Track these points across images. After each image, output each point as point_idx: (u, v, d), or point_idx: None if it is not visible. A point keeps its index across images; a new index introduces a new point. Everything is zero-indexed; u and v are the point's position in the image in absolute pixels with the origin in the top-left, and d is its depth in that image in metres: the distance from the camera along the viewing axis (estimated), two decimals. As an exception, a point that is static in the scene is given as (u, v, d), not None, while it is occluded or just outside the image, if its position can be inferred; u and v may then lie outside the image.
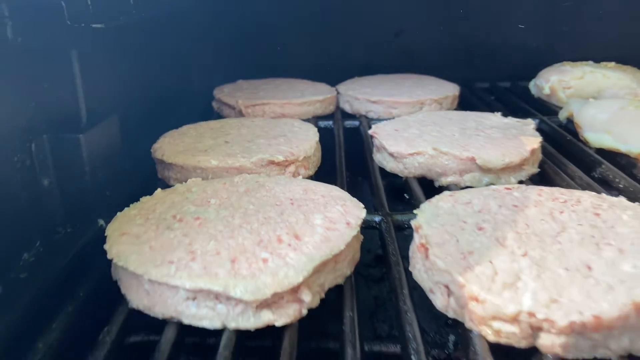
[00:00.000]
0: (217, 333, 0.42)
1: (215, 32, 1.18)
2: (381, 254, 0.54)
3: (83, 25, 0.59)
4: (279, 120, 0.86)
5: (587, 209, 0.51)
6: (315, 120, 0.98)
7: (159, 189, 0.58)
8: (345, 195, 0.57)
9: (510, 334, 0.39)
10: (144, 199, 0.55)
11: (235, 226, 0.49)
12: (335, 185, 0.65)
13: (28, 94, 0.57)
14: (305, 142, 0.74)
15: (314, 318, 0.44)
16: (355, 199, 0.56)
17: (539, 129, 0.92)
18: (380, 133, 0.77)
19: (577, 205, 0.52)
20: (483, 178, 0.69)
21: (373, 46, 1.28)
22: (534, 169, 0.72)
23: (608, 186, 0.70)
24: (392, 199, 0.68)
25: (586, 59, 1.12)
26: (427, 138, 0.74)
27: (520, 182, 0.69)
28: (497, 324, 0.40)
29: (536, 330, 0.38)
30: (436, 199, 0.55)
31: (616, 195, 0.56)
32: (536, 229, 0.48)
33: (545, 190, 0.57)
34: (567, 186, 0.66)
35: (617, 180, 0.70)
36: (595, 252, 0.44)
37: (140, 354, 0.46)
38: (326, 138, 0.89)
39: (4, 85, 0.52)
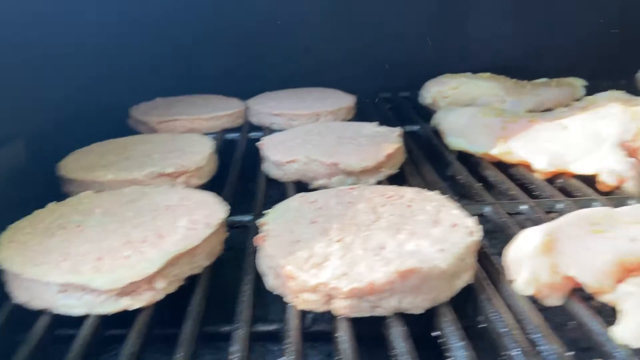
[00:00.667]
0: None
1: (134, 51, 1.26)
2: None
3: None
4: (182, 135, 0.96)
5: (404, 202, 0.64)
6: (222, 133, 1.09)
7: (52, 202, 0.67)
8: (215, 200, 0.68)
9: (313, 301, 0.51)
10: (36, 212, 0.64)
11: (110, 231, 0.59)
12: (223, 191, 0.77)
13: None
14: (198, 154, 0.85)
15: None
16: (223, 203, 0.67)
17: (417, 135, 1.07)
18: (266, 144, 0.88)
19: (398, 200, 0.65)
20: (347, 180, 0.81)
21: (286, 62, 1.39)
22: (393, 171, 0.84)
23: (453, 182, 0.84)
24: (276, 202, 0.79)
25: (468, 70, 1.27)
26: (305, 147, 0.85)
27: (379, 182, 0.81)
28: (304, 295, 0.51)
29: (330, 297, 0.50)
30: (287, 200, 0.67)
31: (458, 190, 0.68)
32: (358, 220, 0.60)
33: (379, 189, 0.69)
34: (416, 184, 0.79)
35: (459, 177, 0.84)
36: (394, 235, 0.56)
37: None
38: (231, 149, 1.00)
39: None
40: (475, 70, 1.27)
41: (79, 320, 0.51)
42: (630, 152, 0.79)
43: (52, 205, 0.66)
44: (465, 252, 0.53)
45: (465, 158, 0.91)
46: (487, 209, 0.72)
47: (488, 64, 1.31)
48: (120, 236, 0.58)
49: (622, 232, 0.52)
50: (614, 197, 0.73)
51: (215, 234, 0.61)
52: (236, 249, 0.66)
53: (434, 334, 0.49)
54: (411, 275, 0.49)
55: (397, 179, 0.84)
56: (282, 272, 0.52)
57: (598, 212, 0.56)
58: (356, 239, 0.56)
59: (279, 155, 0.83)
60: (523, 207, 0.71)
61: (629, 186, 0.74)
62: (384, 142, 0.87)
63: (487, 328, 0.50)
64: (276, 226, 0.60)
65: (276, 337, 0.53)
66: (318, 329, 0.56)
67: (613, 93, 0.91)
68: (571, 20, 1.36)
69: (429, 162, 0.90)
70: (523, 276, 0.51)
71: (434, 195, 0.66)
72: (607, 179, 0.74)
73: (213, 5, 1.29)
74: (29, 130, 0.81)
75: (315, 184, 0.82)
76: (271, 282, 0.55)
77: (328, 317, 0.51)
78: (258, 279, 0.57)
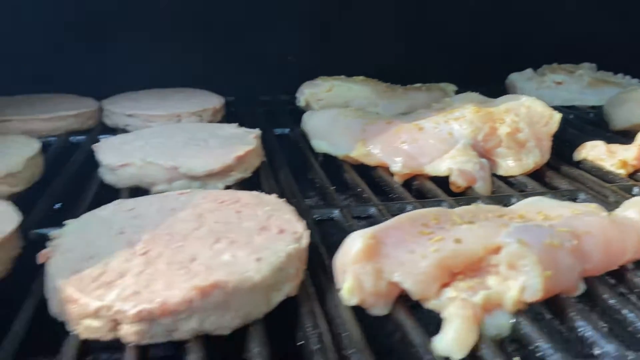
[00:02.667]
0: None
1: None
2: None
3: None
4: (4, 137, 0.82)
5: (235, 208, 0.57)
6: (67, 136, 0.96)
7: None
8: (7, 209, 0.56)
9: (96, 328, 0.42)
10: None
11: None
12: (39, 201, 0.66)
13: None
14: (14, 157, 0.72)
15: None
16: (14, 213, 0.56)
17: (287, 137, 1.01)
18: (101, 146, 0.78)
19: (231, 205, 0.58)
20: (192, 184, 0.72)
21: (159, 60, 1.28)
22: (246, 175, 0.78)
23: (310, 185, 0.79)
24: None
25: (344, 74, 1.24)
26: (145, 149, 0.76)
27: (228, 187, 0.74)
28: (87, 321, 0.42)
29: (116, 323, 0.41)
30: (100, 208, 0.57)
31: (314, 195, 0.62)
32: (175, 228, 0.52)
33: (213, 194, 0.61)
34: (270, 189, 0.73)
35: (316, 180, 0.79)
36: (211, 245, 0.49)
37: None
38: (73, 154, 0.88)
39: None
40: (350, 74, 1.25)
41: None
42: (483, 153, 0.79)
43: None
44: (286, 261, 0.47)
45: (332, 162, 0.87)
46: (336, 213, 0.67)
47: (364, 68, 1.29)
48: None
49: (450, 233, 0.49)
50: (464, 197, 0.71)
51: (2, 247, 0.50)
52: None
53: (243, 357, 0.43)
54: (213, 291, 0.42)
55: (250, 183, 0.78)
56: (62, 294, 0.43)
57: (430, 212, 0.52)
58: (165, 251, 0.48)
59: (113, 158, 0.73)
60: (372, 210, 0.68)
61: (479, 186, 0.74)
62: (237, 144, 0.80)
63: (303, 346, 0.44)
64: (71, 239, 0.50)
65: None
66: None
67: (469, 95, 0.91)
68: (444, 25, 1.39)
69: (292, 165, 0.85)
70: (346, 284, 0.46)
71: (272, 199, 0.60)
72: (457, 180, 0.73)
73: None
74: None
75: (154, 190, 0.73)
76: (54, 308, 0.45)
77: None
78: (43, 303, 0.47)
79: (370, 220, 0.66)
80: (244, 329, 0.44)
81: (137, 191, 0.72)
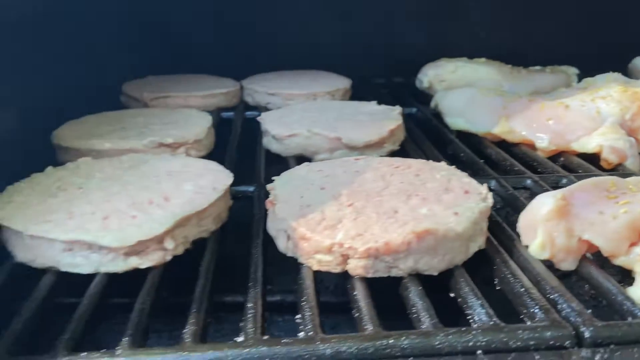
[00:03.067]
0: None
1: (125, 30, 1.23)
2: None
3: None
4: (177, 110, 0.94)
5: (412, 171, 0.63)
6: (218, 111, 1.07)
7: (49, 167, 0.64)
8: (220, 168, 0.66)
9: (327, 262, 0.50)
10: (33, 175, 0.62)
11: (114, 193, 0.57)
12: (224, 163, 0.75)
13: None
14: (197, 127, 0.83)
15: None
16: (227, 171, 0.65)
17: (415, 117, 1.06)
18: (266, 119, 0.87)
19: (406, 169, 0.64)
20: (349, 154, 0.80)
21: (281, 46, 1.37)
22: (395, 147, 0.84)
23: (454, 160, 0.84)
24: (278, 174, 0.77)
25: (464, 55, 1.27)
26: (305, 122, 0.84)
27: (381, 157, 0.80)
28: (318, 256, 0.50)
29: (345, 257, 0.49)
30: (295, 168, 0.66)
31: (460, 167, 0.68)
32: (367, 187, 0.59)
33: (386, 160, 0.68)
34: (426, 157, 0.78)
35: (462, 154, 0.84)
36: (405, 200, 0.56)
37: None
38: (227, 127, 0.99)
39: None
40: (469, 56, 1.27)
41: (80, 289, 0.49)
42: (629, 132, 0.80)
43: (50, 170, 0.64)
44: (479, 217, 0.53)
45: (466, 138, 0.91)
46: (492, 183, 0.71)
47: (481, 52, 1.31)
48: (124, 198, 0.56)
49: (635, 198, 0.52)
50: (616, 172, 0.73)
51: (222, 199, 0.60)
52: (240, 217, 0.65)
53: (451, 294, 0.49)
54: (427, 236, 0.49)
55: (398, 155, 0.83)
56: (295, 234, 0.51)
57: (609, 180, 0.56)
58: (368, 204, 0.55)
59: (280, 129, 0.82)
60: (528, 182, 0.72)
61: (630, 163, 0.75)
62: (385, 119, 0.87)
63: (504, 290, 0.50)
64: (285, 191, 0.58)
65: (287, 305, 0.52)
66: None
67: (612, 75, 0.92)
68: (564, 9, 1.38)
69: (431, 141, 0.90)
70: (538, 240, 0.51)
71: (442, 165, 0.66)
72: (609, 156, 0.75)
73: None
74: (22, 97, 0.78)
75: (317, 158, 0.80)
76: (283, 245, 0.54)
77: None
78: (266, 243, 0.56)
79: (528, 192, 0.70)
80: (447, 272, 0.50)
81: (301, 159, 0.81)
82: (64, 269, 0.50)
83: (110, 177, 0.61)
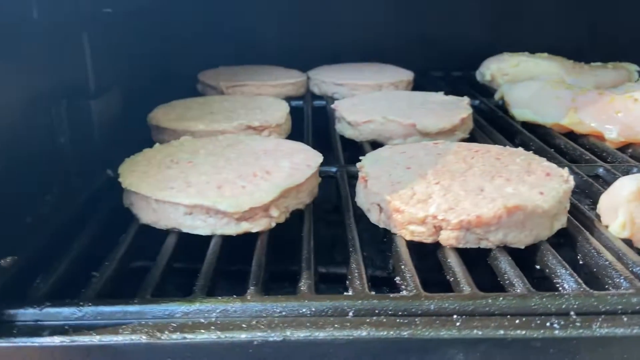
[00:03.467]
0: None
1: (200, 20, 1.31)
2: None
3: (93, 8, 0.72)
4: (256, 97, 1.00)
5: (492, 155, 0.67)
6: (287, 100, 1.13)
7: (157, 144, 0.71)
8: (308, 148, 0.72)
9: (420, 232, 0.54)
10: (145, 150, 0.69)
11: (220, 167, 0.63)
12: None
13: (50, 66, 0.70)
14: (278, 112, 0.89)
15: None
16: (315, 151, 0.71)
17: (479, 109, 1.09)
18: (340, 106, 0.92)
19: (485, 153, 0.68)
20: (422, 140, 0.84)
21: (342, 39, 1.42)
22: (465, 135, 0.88)
23: (524, 148, 0.86)
24: (349, 157, 0.82)
25: (524, 50, 1.29)
26: (379, 109, 0.89)
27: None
28: (412, 227, 0.55)
29: (438, 229, 0.54)
30: (379, 150, 0.71)
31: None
32: (450, 167, 0.64)
33: (464, 144, 0.72)
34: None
35: (530, 144, 0.87)
36: (490, 180, 0.59)
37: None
38: (297, 115, 1.04)
39: (30, 58, 0.65)
40: (530, 52, 1.29)
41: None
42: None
43: (158, 146, 0.71)
44: (563, 196, 0.57)
45: (532, 130, 0.93)
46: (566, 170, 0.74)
47: (541, 47, 1.32)
48: (231, 171, 0.62)
49: None
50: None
51: (314, 176, 0.65)
52: (326, 195, 0.70)
53: (537, 267, 0.53)
54: (517, 212, 0.53)
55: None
56: (389, 206, 0.56)
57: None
58: (454, 183, 0.59)
59: (356, 116, 0.87)
60: (600, 170, 0.74)
61: None
62: (455, 108, 0.91)
63: (588, 263, 0.53)
64: (374, 170, 0.63)
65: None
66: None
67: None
68: (625, 6, 1.37)
69: (498, 131, 0.93)
70: (619, 220, 0.54)
71: (520, 150, 0.69)
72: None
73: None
74: (121, 84, 0.86)
75: (391, 143, 0.85)
76: (376, 217, 0.59)
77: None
78: (358, 216, 0.61)
79: (600, 180, 0.73)
80: (533, 246, 0.54)
81: (375, 145, 0.85)
82: (185, 230, 0.56)
83: (213, 153, 0.68)
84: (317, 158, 0.67)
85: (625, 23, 1.37)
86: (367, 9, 1.41)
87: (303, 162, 0.66)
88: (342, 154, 0.82)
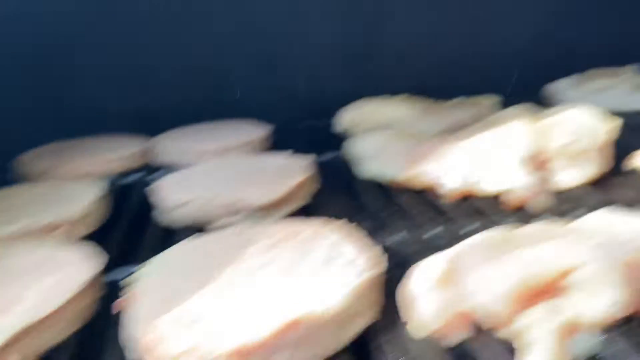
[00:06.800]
0: None
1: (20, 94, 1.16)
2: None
3: None
4: (66, 183, 0.85)
5: (300, 240, 0.57)
6: (120, 176, 0.99)
7: None
8: (88, 254, 0.59)
9: (186, 370, 0.43)
10: None
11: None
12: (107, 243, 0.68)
13: None
14: (80, 202, 0.75)
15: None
16: (97, 257, 0.58)
17: (331, 164, 1.01)
18: (157, 187, 0.80)
19: (297, 236, 0.58)
20: (250, 217, 0.74)
21: (197, 99, 1.32)
22: (304, 202, 0.79)
23: (362, 209, 0.78)
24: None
25: (387, 94, 1.24)
26: (202, 185, 0.78)
27: (288, 215, 0.75)
28: (171, 363, 0.43)
29: (204, 361, 0.42)
30: (170, 249, 0.59)
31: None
32: (246, 265, 0.53)
33: (278, 225, 0.62)
34: (328, 215, 0.73)
35: (369, 206, 0.79)
36: (281, 280, 0.50)
37: None
38: (129, 194, 0.91)
39: None
40: (393, 93, 1.25)
41: None
42: (538, 167, 0.77)
43: None
44: (363, 290, 0.48)
45: (378, 187, 0.86)
46: (396, 238, 0.67)
47: (404, 87, 1.29)
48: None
49: (523, 255, 0.48)
50: (523, 214, 0.70)
51: (81, 295, 0.52)
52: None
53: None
54: (290, 332, 0.43)
55: (308, 210, 0.78)
56: (143, 341, 0.44)
57: (498, 235, 0.52)
58: (240, 288, 0.49)
59: (171, 198, 0.75)
60: (434, 232, 0.67)
61: (537, 202, 0.72)
62: (291, 173, 0.82)
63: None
64: (146, 283, 0.52)
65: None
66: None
67: (518, 108, 0.90)
68: (484, 38, 1.38)
69: (343, 191, 0.85)
70: (418, 314, 0.46)
71: (338, 227, 0.60)
72: (511, 198, 0.72)
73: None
74: None
75: (215, 225, 0.74)
76: (131, 356, 0.47)
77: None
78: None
79: (434, 244, 0.65)
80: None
81: (196, 229, 0.73)
82: None
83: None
84: (83, 273, 0.55)
85: (486, 54, 1.38)
86: (230, 61, 1.32)
87: (65, 279, 0.53)
88: (150, 250, 0.69)
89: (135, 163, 1.04)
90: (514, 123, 0.80)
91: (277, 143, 1.13)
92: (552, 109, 0.85)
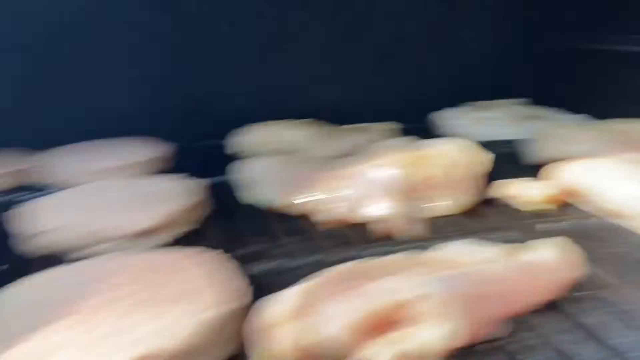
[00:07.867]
0: None
1: None
2: None
3: None
4: None
5: (167, 269, 0.56)
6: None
7: None
8: None
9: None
10: None
11: None
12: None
13: None
14: None
15: None
16: None
17: (224, 185, 1.00)
18: (20, 212, 0.75)
19: (156, 269, 0.57)
20: (123, 245, 0.71)
21: (102, 108, 1.26)
22: (186, 228, 0.77)
23: (240, 236, 0.78)
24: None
25: (289, 117, 1.25)
26: (71, 211, 0.74)
27: (170, 242, 0.73)
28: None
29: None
30: (15, 284, 0.56)
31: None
32: (93, 301, 0.51)
33: (136, 257, 0.61)
34: (211, 242, 0.71)
35: (249, 231, 0.78)
36: (133, 315, 0.48)
37: None
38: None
39: None
40: (291, 117, 1.26)
41: None
42: (412, 197, 0.80)
43: None
44: (218, 324, 0.48)
45: (262, 212, 0.86)
46: (267, 267, 0.67)
47: (303, 111, 1.30)
48: None
49: (370, 286, 0.50)
50: (392, 244, 0.72)
51: None
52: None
53: None
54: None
55: (192, 236, 0.77)
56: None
57: (354, 267, 0.54)
58: (89, 324, 0.47)
59: (30, 225, 0.71)
60: (304, 261, 0.68)
61: (405, 231, 0.74)
62: (175, 197, 0.80)
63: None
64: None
65: None
66: None
67: (397, 140, 0.94)
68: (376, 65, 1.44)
69: (229, 217, 0.84)
70: (269, 347, 0.47)
71: (208, 256, 0.60)
72: (379, 227, 0.75)
73: None
74: None
75: (81, 254, 0.70)
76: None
77: None
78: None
79: (303, 273, 0.66)
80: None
81: (55, 259, 0.68)
82: None
83: None
84: None
85: (374, 83, 1.43)
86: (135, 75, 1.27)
87: None
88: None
89: (14, 182, 0.97)
90: (389, 153, 0.84)
91: (180, 163, 1.11)
92: (430, 141, 0.90)
